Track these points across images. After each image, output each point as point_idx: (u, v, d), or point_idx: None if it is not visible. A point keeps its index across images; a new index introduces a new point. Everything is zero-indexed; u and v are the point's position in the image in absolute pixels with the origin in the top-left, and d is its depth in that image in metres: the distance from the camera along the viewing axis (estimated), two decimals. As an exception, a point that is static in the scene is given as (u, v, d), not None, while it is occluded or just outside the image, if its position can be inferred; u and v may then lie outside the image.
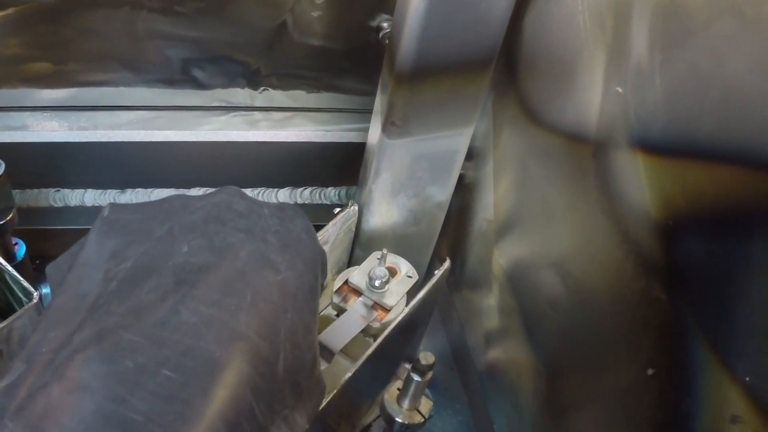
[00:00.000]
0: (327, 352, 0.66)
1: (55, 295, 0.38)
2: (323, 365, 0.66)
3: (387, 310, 0.70)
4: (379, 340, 0.61)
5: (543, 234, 0.66)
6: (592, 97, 0.55)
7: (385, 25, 0.80)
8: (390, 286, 0.70)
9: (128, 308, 0.35)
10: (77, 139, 0.82)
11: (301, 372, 0.39)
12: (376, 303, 0.70)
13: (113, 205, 0.42)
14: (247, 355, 0.35)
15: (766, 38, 0.38)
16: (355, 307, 0.70)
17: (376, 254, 0.73)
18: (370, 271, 0.70)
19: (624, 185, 0.51)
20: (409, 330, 0.70)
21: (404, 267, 0.74)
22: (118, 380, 0.32)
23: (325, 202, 0.93)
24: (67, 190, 0.87)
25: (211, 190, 0.48)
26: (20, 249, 0.75)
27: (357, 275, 0.71)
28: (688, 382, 0.46)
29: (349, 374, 0.57)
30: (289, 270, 0.41)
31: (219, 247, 0.40)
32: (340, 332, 0.67)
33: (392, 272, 0.72)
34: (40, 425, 0.30)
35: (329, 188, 0.92)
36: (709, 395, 0.44)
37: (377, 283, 0.70)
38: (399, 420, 0.71)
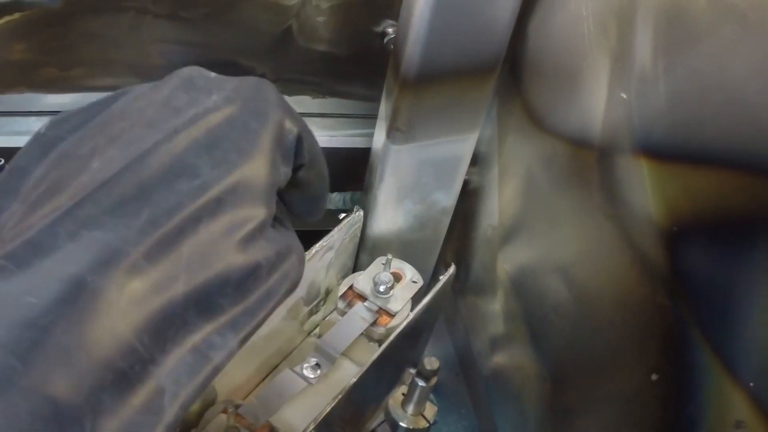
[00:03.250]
0: (329, 355, 0.66)
1: None
2: (326, 368, 0.66)
3: (392, 315, 0.70)
4: (384, 345, 0.62)
5: (547, 240, 0.66)
6: (596, 103, 0.55)
7: (389, 30, 0.80)
8: (395, 291, 0.71)
9: (12, 233, 0.32)
10: (83, 144, 0.82)
11: (222, 290, 0.33)
12: (380, 308, 0.70)
13: (53, 122, 0.38)
14: (122, 282, 0.30)
15: (770, 44, 0.38)
16: (355, 309, 0.70)
17: (381, 259, 0.73)
18: (375, 277, 0.71)
19: (628, 191, 0.51)
20: (414, 335, 0.70)
21: (409, 272, 0.74)
22: None
23: (330, 207, 0.93)
24: (72, 195, 0.87)
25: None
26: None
27: (362, 280, 0.71)
28: (692, 388, 0.46)
29: (354, 379, 0.57)
30: (214, 169, 0.34)
31: (129, 157, 0.34)
32: (342, 335, 0.68)
33: (397, 278, 0.72)
34: None
35: (334, 193, 0.92)
36: (713, 401, 0.44)
37: (382, 288, 0.70)
38: (403, 425, 0.71)
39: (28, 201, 0.34)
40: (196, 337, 0.32)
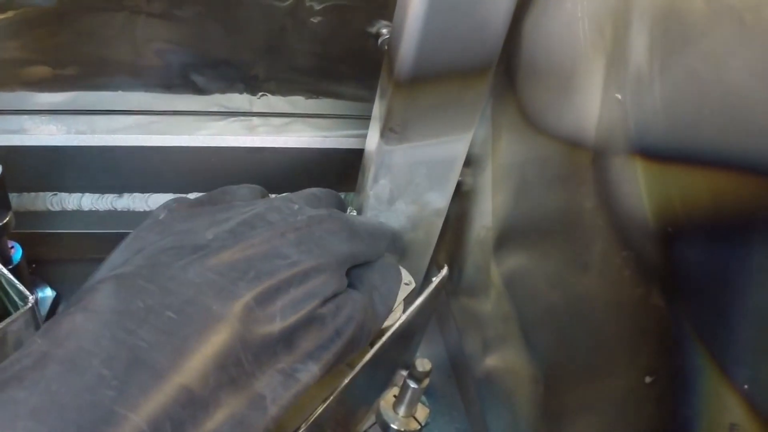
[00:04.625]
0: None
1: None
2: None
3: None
4: (376, 346, 0.61)
5: (541, 241, 0.66)
6: (591, 104, 0.55)
7: (384, 31, 0.80)
8: None
9: (147, 263, 0.44)
10: (75, 143, 0.82)
11: (305, 334, 0.46)
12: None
13: (170, 211, 0.53)
14: (239, 313, 0.42)
15: (766, 44, 0.38)
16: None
17: None
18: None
19: (623, 192, 0.51)
20: (406, 337, 0.70)
21: (402, 274, 0.73)
22: (130, 315, 0.39)
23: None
24: (64, 194, 0.87)
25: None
26: (16, 253, 0.74)
27: None
28: (686, 390, 0.45)
29: (345, 380, 0.57)
30: (302, 256, 0.48)
31: (239, 236, 0.48)
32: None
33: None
34: (62, 343, 0.37)
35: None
36: (707, 403, 0.44)
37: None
38: (395, 427, 0.71)
39: (145, 249, 0.48)
40: (284, 363, 0.44)
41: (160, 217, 0.52)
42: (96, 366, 0.36)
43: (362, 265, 0.58)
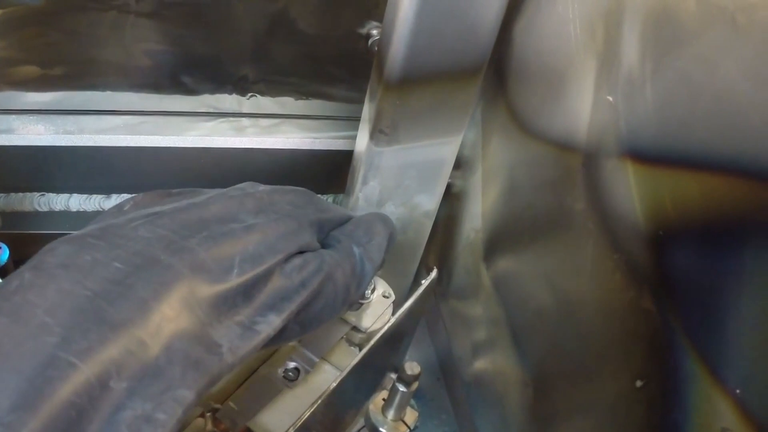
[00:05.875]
0: (309, 359, 0.66)
1: None
2: (306, 372, 0.65)
3: (361, 332, 0.70)
4: (365, 350, 0.61)
5: (531, 244, 0.66)
6: (582, 106, 0.55)
7: (374, 32, 0.80)
8: (365, 308, 0.70)
9: (99, 227, 0.44)
10: (63, 143, 0.82)
11: (265, 288, 0.45)
12: (354, 327, 0.70)
13: (136, 203, 0.51)
14: (189, 264, 0.42)
15: (759, 46, 0.38)
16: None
17: None
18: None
19: (614, 195, 0.51)
20: (395, 340, 0.70)
21: (380, 287, 0.73)
22: (76, 268, 0.39)
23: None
24: (52, 195, 0.87)
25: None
26: (3, 253, 0.74)
27: None
28: (677, 394, 0.45)
29: (334, 384, 0.57)
30: (260, 220, 0.48)
31: (197, 205, 0.47)
32: (322, 338, 0.67)
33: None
34: (9, 297, 0.38)
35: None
36: (698, 407, 0.44)
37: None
38: (383, 430, 0.70)
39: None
40: (242, 316, 0.43)
41: (125, 208, 0.50)
42: (39, 315, 0.37)
43: (344, 224, 0.57)
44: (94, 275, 0.39)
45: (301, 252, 0.49)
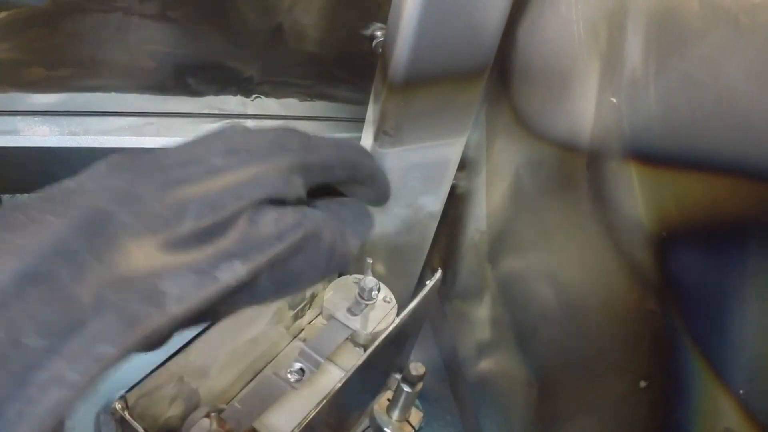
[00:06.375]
0: (314, 360, 0.66)
1: None
2: (311, 372, 0.66)
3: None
4: (370, 350, 0.61)
5: (536, 245, 0.66)
6: (585, 107, 0.55)
7: (378, 33, 0.80)
8: (367, 312, 0.71)
9: (57, 186, 0.40)
10: (68, 144, 0.82)
11: (230, 234, 0.41)
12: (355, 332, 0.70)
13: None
14: (135, 212, 0.39)
15: (762, 47, 0.38)
16: (341, 314, 0.70)
17: (352, 278, 0.74)
18: (360, 282, 0.70)
19: (618, 196, 0.51)
20: (399, 340, 0.70)
21: (382, 292, 0.73)
22: (2, 215, 0.37)
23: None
24: (56, 196, 0.87)
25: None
26: (8, 254, 0.74)
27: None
28: (681, 395, 0.45)
29: (339, 384, 0.57)
30: (228, 162, 0.43)
31: (155, 150, 0.44)
32: (327, 339, 0.67)
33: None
34: None
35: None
36: (702, 408, 0.44)
37: (367, 295, 0.70)
38: (388, 431, 0.71)
39: None
40: (198, 262, 0.40)
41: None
42: None
43: (332, 200, 0.52)
44: (16, 213, 0.37)
45: (280, 202, 0.44)
